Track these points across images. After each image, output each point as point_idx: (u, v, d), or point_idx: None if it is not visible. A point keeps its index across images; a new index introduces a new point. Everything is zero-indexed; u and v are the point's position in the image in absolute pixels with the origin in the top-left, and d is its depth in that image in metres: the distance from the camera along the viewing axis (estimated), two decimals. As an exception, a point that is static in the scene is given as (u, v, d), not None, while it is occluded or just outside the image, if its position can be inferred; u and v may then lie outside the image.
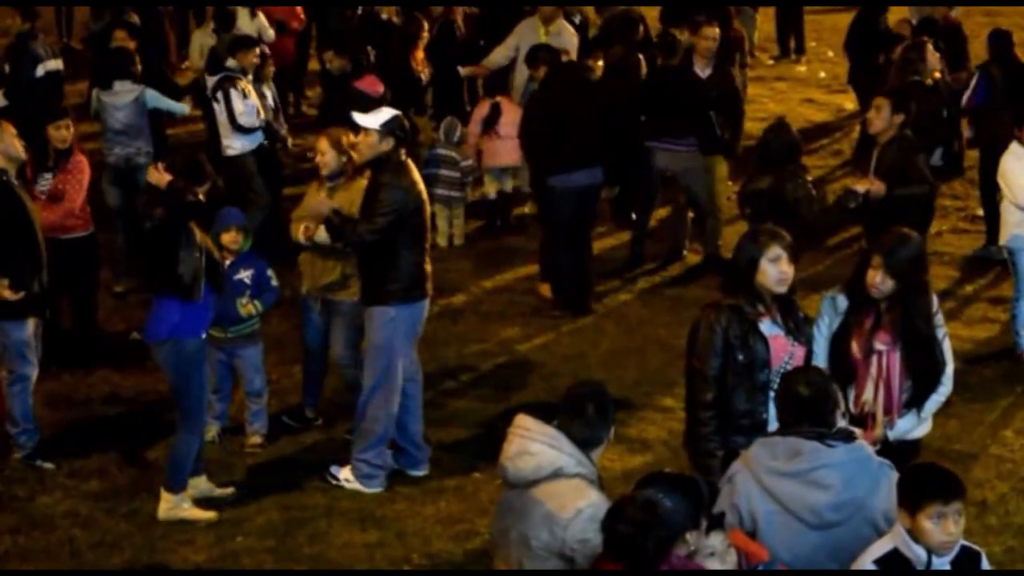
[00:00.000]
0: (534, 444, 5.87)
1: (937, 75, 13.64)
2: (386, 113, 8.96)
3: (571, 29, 14.84)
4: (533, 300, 12.33)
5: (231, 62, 13.34)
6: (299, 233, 9.42)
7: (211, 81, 13.30)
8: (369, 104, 10.32)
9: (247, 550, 8.36)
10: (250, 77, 13.30)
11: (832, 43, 21.02)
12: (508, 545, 5.94)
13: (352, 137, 9.25)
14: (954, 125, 14.11)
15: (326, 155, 9.40)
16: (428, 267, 9.07)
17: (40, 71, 14.14)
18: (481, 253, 13.66)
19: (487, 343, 11.49)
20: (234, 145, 13.10)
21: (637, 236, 13.28)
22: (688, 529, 5.34)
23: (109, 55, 13.33)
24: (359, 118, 8.92)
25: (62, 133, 10.65)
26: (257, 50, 13.70)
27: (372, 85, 13.33)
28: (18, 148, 9.33)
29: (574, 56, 14.08)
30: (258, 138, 13.18)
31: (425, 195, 9.04)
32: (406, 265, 8.85)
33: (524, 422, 5.97)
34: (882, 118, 10.19)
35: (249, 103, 13.01)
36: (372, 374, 8.99)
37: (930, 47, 13.56)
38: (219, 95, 13.02)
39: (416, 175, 8.98)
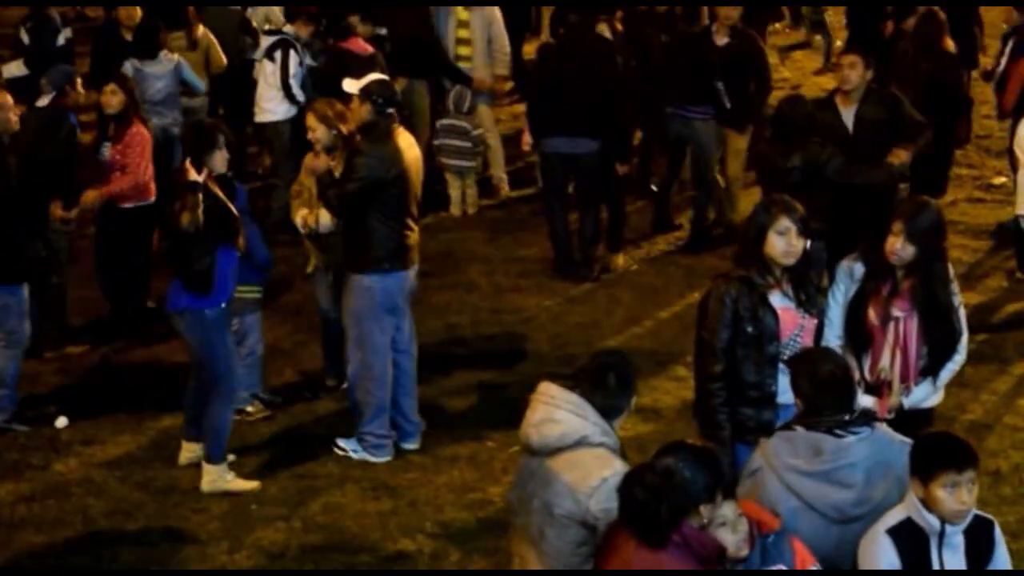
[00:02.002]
0: (559, 411, 5.86)
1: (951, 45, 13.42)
2: (367, 78, 8.89)
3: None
4: (547, 270, 12.31)
5: (288, 28, 13.32)
6: (298, 223, 9.39)
7: (266, 41, 13.22)
8: (358, 66, 10.24)
9: (261, 519, 8.38)
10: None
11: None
12: (529, 513, 5.93)
13: (338, 106, 9.22)
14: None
15: (316, 131, 9.27)
16: (412, 238, 8.92)
17: (61, 40, 14.11)
18: (494, 222, 13.63)
19: (500, 312, 11.48)
20: (276, 110, 13.03)
21: (659, 204, 13.23)
22: (703, 502, 5.35)
23: (146, 28, 13.28)
24: (346, 84, 8.90)
25: (110, 99, 10.62)
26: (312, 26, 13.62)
27: (360, 46, 13.02)
28: (11, 121, 9.38)
29: (499, 31, 14.02)
30: (295, 110, 12.98)
31: (414, 164, 8.88)
32: (383, 235, 8.74)
33: (549, 389, 5.95)
34: (857, 74, 10.23)
35: (300, 71, 12.99)
36: (350, 344, 9.00)
37: (942, 20, 13.25)
38: (276, 55, 12.93)
39: (403, 143, 8.82)
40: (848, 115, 10.28)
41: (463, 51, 13.97)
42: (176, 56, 12.82)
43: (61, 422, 9.50)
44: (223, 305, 8.54)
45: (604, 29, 12.25)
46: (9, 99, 9.51)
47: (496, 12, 14.14)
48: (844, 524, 5.83)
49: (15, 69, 13.49)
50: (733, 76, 12.42)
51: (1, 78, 12.78)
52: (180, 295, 8.49)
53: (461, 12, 13.97)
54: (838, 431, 5.86)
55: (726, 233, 12.58)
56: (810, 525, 5.84)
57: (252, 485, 8.72)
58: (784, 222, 6.78)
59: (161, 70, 12.53)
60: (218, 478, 8.66)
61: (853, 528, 5.80)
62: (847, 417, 5.91)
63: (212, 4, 14.48)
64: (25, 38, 13.97)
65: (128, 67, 12.45)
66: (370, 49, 12.97)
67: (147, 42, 12.73)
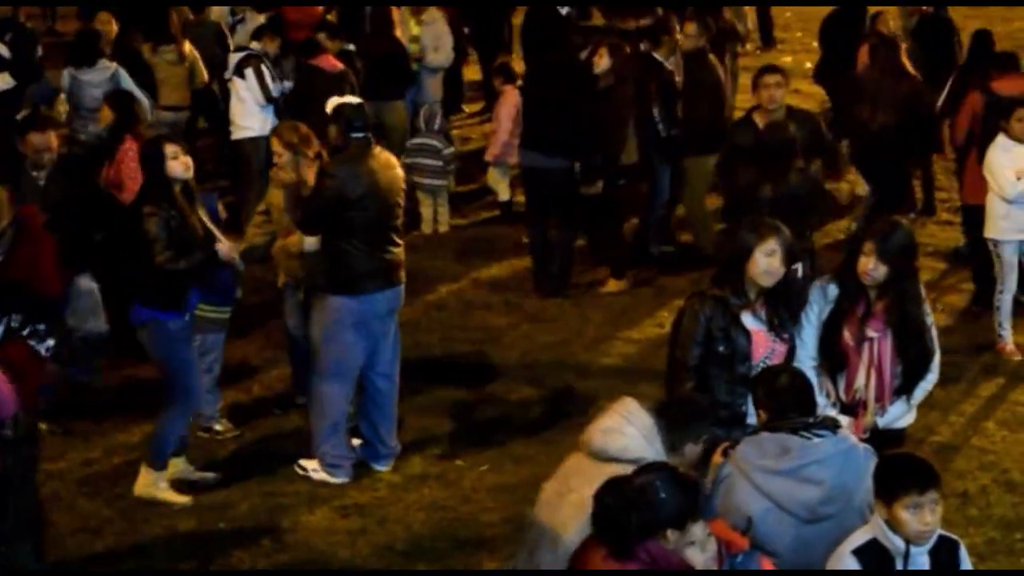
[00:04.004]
0: (630, 427, 5.99)
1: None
2: (337, 100, 8.95)
3: (443, 20, 14.96)
4: (517, 288, 12.33)
5: (254, 45, 13.32)
6: (275, 252, 9.42)
7: (234, 58, 13.21)
8: (327, 84, 10.20)
9: (230, 537, 8.35)
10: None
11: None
12: (560, 506, 5.99)
13: (303, 129, 9.25)
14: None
15: (282, 156, 9.25)
16: (392, 258, 8.87)
17: (40, 51, 14.11)
18: (466, 241, 13.65)
19: (471, 331, 11.49)
20: (252, 126, 13.03)
21: (642, 227, 13.11)
22: (672, 526, 5.37)
23: (85, 35, 13.28)
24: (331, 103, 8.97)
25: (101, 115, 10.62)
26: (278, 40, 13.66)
27: (330, 62, 13.05)
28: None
29: (443, 47, 14.57)
30: (271, 125, 12.98)
31: (389, 184, 8.82)
32: (350, 256, 8.70)
33: (629, 405, 6.10)
34: (783, 93, 10.50)
35: (278, 86, 12.99)
36: (315, 363, 9.00)
37: (902, 46, 13.27)
38: (247, 72, 12.92)
39: (377, 164, 8.78)
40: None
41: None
42: (114, 64, 12.77)
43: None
44: (185, 318, 8.54)
45: (603, 54, 12.16)
46: (52, 140, 9.37)
47: (445, 27, 14.54)
48: (814, 524, 5.91)
49: (1, 82, 13.43)
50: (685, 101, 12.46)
51: None
52: (142, 308, 8.49)
53: (413, 27, 14.23)
54: (803, 432, 5.98)
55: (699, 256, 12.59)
56: (780, 527, 5.91)
57: (184, 499, 8.69)
58: (771, 243, 6.82)
59: (98, 78, 12.50)
60: (151, 484, 8.67)
61: (823, 529, 5.88)
62: (811, 420, 6.04)
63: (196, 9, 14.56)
64: (4, 51, 13.91)
65: (65, 75, 12.47)
66: (340, 66, 13.00)
67: (84, 49, 12.72)
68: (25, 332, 7.03)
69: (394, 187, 8.93)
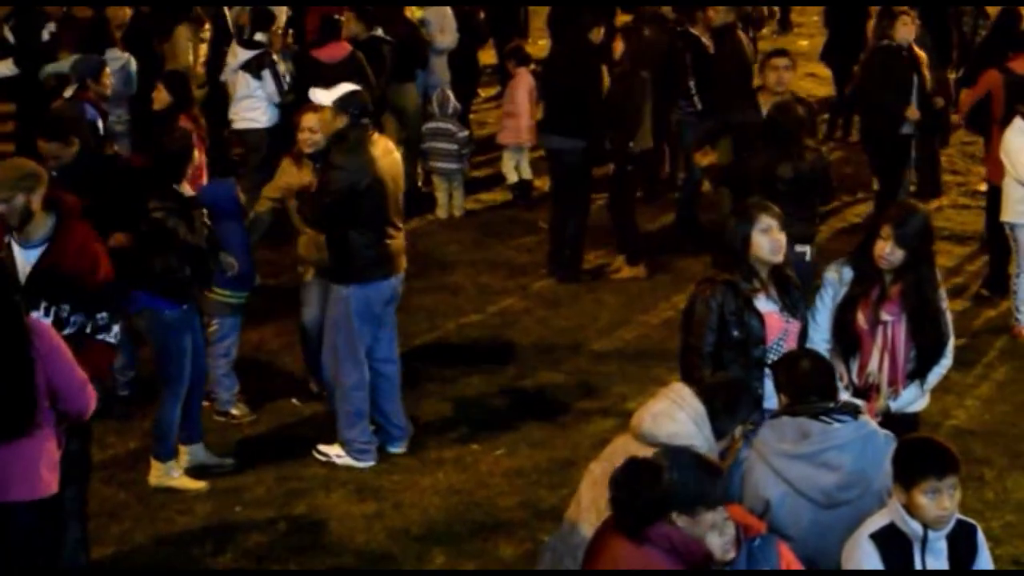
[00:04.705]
0: (681, 412, 5.98)
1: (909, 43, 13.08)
2: (341, 88, 8.80)
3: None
4: (533, 273, 12.33)
5: (260, 36, 13.26)
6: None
7: (245, 54, 13.17)
8: (326, 74, 10.17)
9: (246, 520, 8.37)
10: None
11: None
12: (605, 486, 5.96)
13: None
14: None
15: (316, 133, 9.15)
16: (394, 246, 8.84)
17: (45, 35, 14.08)
18: (481, 225, 13.65)
19: (486, 315, 11.49)
20: (259, 119, 13.01)
21: (681, 207, 13.30)
22: (680, 510, 5.30)
23: (95, 23, 13.27)
24: (316, 94, 8.83)
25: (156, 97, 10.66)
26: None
27: (331, 53, 12.99)
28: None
29: (448, 28, 14.61)
30: (275, 117, 13.00)
31: (390, 171, 8.78)
32: (359, 246, 8.68)
33: (681, 391, 6.10)
34: (791, 75, 10.63)
35: (285, 81, 12.98)
36: (328, 351, 9.01)
37: (906, 18, 13.05)
38: (264, 73, 12.87)
39: (378, 151, 8.72)
40: None
41: None
42: (126, 54, 12.76)
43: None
44: (184, 308, 8.56)
45: (619, 38, 12.22)
46: (59, 151, 9.09)
47: (449, 14, 14.72)
48: (831, 509, 5.90)
49: (3, 68, 13.45)
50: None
51: None
52: (139, 295, 8.49)
53: (416, 11, 14.56)
54: (824, 417, 5.98)
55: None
56: (797, 511, 5.92)
57: (199, 485, 8.71)
58: (765, 220, 6.87)
59: (110, 68, 12.48)
60: (163, 474, 8.70)
61: (840, 514, 5.87)
62: (832, 405, 6.04)
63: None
64: (10, 36, 13.90)
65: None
66: (340, 56, 12.87)
67: (94, 38, 12.71)
68: (88, 329, 7.00)
69: (395, 173, 8.91)
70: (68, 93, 10.65)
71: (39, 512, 6.38)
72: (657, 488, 5.31)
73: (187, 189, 8.60)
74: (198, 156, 9.70)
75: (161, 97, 10.77)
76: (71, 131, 9.24)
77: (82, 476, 7.45)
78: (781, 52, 10.96)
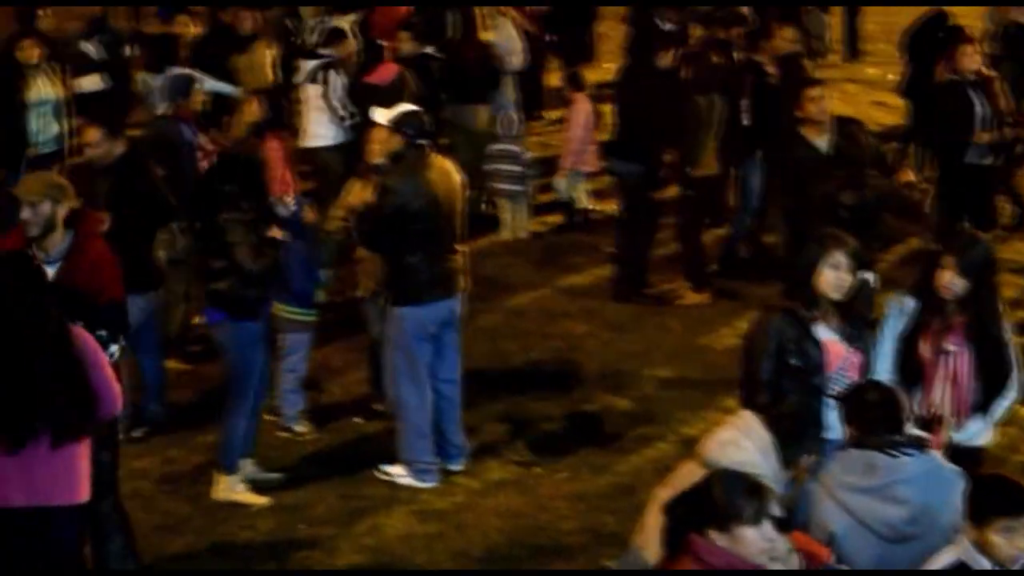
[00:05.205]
0: (747, 441, 5.96)
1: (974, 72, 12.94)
2: (399, 108, 8.85)
3: (511, 24, 15.13)
4: (597, 296, 12.32)
5: (327, 51, 13.30)
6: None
7: (309, 64, 13.22)
8: (382, 96, 10.20)
9: (308, 538, 8.39)
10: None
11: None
12: None
13: None
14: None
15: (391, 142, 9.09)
16: (452, 266, 8.85)
17: (127, 51, 14.22)
18: (546, 248, 13.66)
19: (550, 339, 11.49)
20: (325, 135, 12.99)
21: (731, 236, 13.14)
22: (714, 526, 5.14)
23: (158, 41, 13.37)
24: (375, 112, 8.91)
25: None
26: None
27: (381, 75, 12.99)
28: (104, 152, 9.17)
29: (515, 50, 14.80)
30: (345, 134, 12.92)
31: (449, 193, 8.77)
32: (412, 267, 8.69)
33: (750, 420, 6.07)
34: (830, 103, 10.35)
35: (342, 93, 12.98)
36: (387, 371, 9.05)
37: (967, 47, 12.90)
38: (331, 78, 12.85)
39: (435, 173, 8.73)
40: (822, 143, 10.19)
41: None
42: (187, 72, 12.85)
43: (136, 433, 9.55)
44: (256, 324, 8.62)
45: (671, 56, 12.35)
46: (94, 135, 9.17)
47: (512, 30, 14.82)
48: (896, 544, 5.87)
49: (91, 84, 13.51)
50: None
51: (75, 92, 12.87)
52: (214, 311, 8.62)
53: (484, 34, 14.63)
54: (891, 451, 5.95)
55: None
56: (862, 544, 5.90)
57: (262, 500, 8.75)
58: (837, 256, 6.82)
59: None
60: (228, 488, 8.75)
61: (905, 549, 5.84)
62: (898, 438, 6.00)
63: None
64: (92, 51, 13.94)
65: (139, 80, 12.56)
66: (389, 77, 12.88)
67: (156, 56, 12.79)
68: None
69: (454, 195, 8.89)
70: (161, 111, 10.67)
71: (77, 517, 6.45)
72: (691, 502, 5.25)
73: (287, 203, 8.66)
74: (284, 172, 9.79)
75: (252, 111, 10.79)
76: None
77: (115, 486, 7.51)
78: (814, 82, 10.87)
